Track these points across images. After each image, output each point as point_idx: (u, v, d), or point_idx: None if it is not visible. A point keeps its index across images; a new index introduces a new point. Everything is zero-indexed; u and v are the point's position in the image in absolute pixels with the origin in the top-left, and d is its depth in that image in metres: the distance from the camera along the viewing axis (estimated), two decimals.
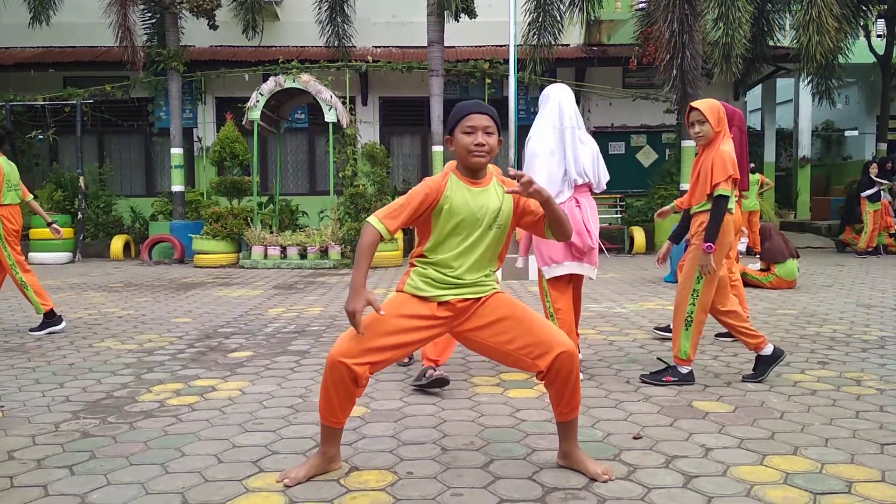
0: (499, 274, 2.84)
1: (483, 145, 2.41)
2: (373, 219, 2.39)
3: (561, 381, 2.40)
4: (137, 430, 3.03)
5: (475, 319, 2.49)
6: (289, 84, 11.41)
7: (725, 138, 3.69)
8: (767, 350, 3.77)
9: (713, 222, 3.57)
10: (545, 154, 3.93)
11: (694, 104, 3.71)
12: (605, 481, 2.42)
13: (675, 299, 3.79)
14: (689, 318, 3.71)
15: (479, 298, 2.50)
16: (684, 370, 3.76)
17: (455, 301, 2.47)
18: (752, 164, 12.36)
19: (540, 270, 4.00)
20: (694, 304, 3.70)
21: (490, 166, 2.55)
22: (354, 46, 14.44)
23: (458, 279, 2.47)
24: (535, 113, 4.20)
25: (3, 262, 5.33)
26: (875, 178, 11.77)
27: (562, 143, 3.94)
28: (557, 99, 4.05)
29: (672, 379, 3.73)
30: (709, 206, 3.64)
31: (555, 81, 16.64)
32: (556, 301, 3.91)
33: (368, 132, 15.05)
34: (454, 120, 2.46)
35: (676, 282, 8.26)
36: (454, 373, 4.05)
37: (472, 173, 2.49)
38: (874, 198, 11.74)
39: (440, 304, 2.46)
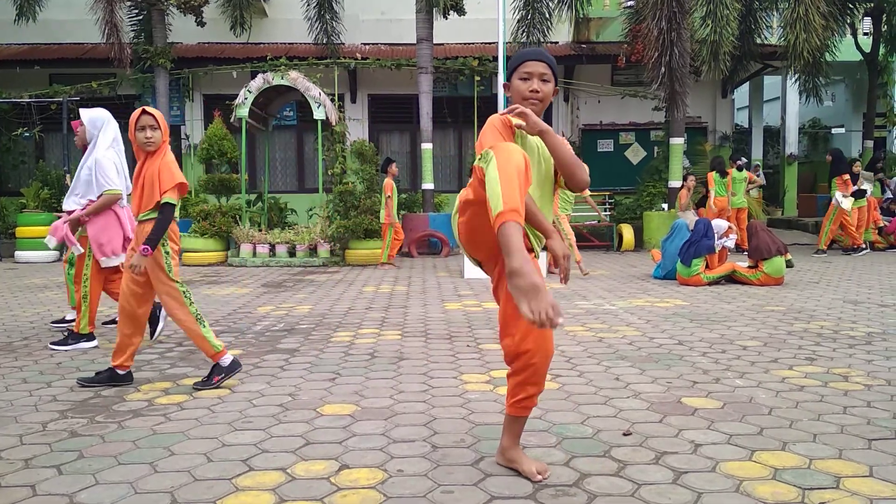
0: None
1: (537, 92, 2.45)
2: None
3: (512, 370, 2.43)
4: (126, 430, 3.01)
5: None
6: (277, 81, 11.37)
7: (168, 148, 3.85)
8: (226, 360, 3.73)
9: (159, 227, 3.63)
10: (120, 166, 4.84)
11: (147, 109, 3.76)
12: (538, 480, 2.40)
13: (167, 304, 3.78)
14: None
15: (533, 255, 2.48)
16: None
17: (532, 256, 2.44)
18: (740, 162, 12.43)
19: (87, 258, 4.74)
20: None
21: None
22: (343, 43, 14.42)
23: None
24: None
25: None
26: (860, 172, 11.86)
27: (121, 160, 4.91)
28: (113, 122, 4.90)
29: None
30: (156, 215, 3.69)
31: None
32: (94, 289, 4.80)
33: (357, 129, 15.03)
34: (512, 66, 2.51)
35: (664, 278, 8.40)
36: (444, 370, 4.05)
37: None
38: (859, 195, 11.83)
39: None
